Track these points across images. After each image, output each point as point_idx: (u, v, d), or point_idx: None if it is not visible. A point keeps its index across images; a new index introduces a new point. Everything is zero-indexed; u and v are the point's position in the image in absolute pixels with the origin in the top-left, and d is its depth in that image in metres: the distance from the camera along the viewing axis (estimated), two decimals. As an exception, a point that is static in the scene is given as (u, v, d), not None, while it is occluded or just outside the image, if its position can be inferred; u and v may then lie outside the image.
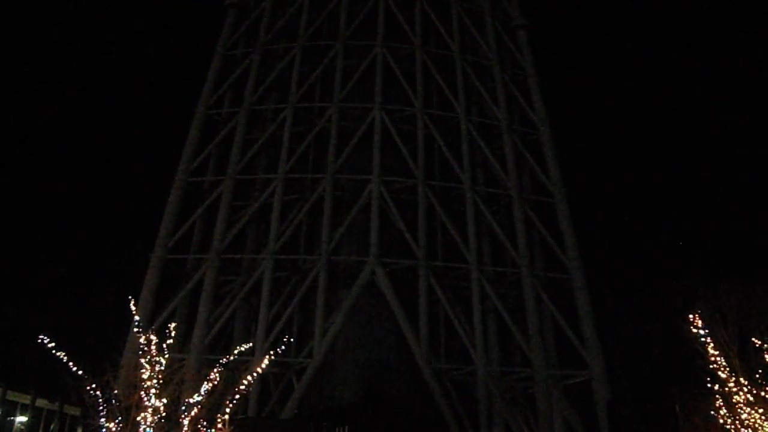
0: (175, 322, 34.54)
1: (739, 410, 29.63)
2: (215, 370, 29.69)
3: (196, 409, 28.75)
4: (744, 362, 30.16)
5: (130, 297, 31.97)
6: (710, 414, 31.27)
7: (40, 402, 50.31)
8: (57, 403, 50.65)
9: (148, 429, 27.65)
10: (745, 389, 29.54)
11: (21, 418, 49.58)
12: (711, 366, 30.44)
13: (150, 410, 27.76)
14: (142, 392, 27.97)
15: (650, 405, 40.35)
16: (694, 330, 30.98)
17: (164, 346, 29.34)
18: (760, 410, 29.10)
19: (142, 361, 28.56)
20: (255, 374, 31.29)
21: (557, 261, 53.49)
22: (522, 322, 50.65)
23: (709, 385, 30.94)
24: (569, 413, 49.56)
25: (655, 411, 39.58)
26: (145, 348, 28.85)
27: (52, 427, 51.52)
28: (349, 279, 50.90)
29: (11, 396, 48.34)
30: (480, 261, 52.23)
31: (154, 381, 28.17)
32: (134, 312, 31.65)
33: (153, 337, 29.13)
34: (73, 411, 48.74)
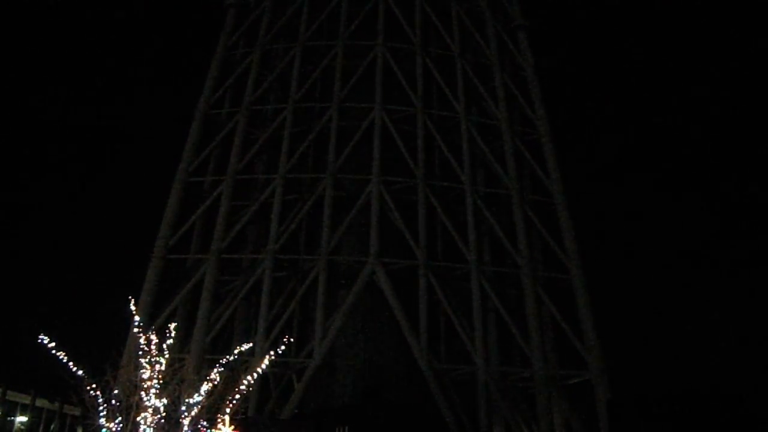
0: (175, 322, 34.54)
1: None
2: (215, 370, 29.69)
3: (196, 409, 28.74)
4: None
5: (130, 297, 31.97)
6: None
7: (40, 402, 50.32)
8: (57, 403, 50.67)
9: (148, 429, 27.65)
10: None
11: (21, 418, 49.59)
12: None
13: (150, 410, 27.76)
14: (142, 392, 27.97)
15: (650, 405, 40.35)
16: None
17: (164, 346, 29.35)
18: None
19: (142, 361, 28.56)
20: (255, 374, 31.26)
21: (557, 261, 53.47)
22: (522, 322, 50.64)
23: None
24: (569, 413, 49.55)
25: (655, 411, 39.57)
26: (145, 348, 28.86)
27: (52, 427, 51.53)
28: (349, 279, 50.89)
29: (11, 396, 48.36)
30: (480, 261, 52.22)
31: (154, 381, 28.17)
32: (134, 312, 31.65)
33: (153, 337, 29.13)
34: (73, 411, 48.76)
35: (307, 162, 58.03)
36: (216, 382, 29.40)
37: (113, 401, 28.01)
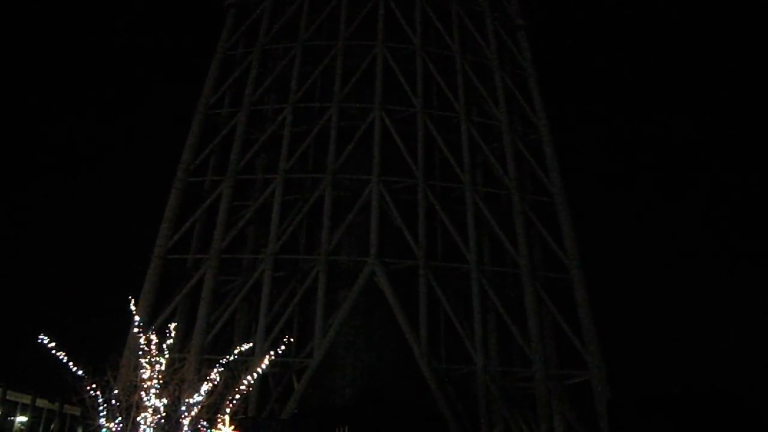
0: (175, 322, 34.58)
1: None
2: (215, 370, 29.71)
3: (196, 409, 28.76)
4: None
5: (130, 297, 31.98)
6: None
7: (40, 402, 50.40)
8: (57, 403, 50.73)
9: (148, 429, 27.66)
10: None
11: (21, 418, 49.66)
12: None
13: (150, 410, 27.79)
14: (142, 392, 27.99)
15: (650, 405, 40.38)
16: None
17: (164, 346, 29.37)
18: None
19: (142, 361, 28.59)
20: (255, 374, 31.27)
21: (557, 261, 53.47)
22: (522, 322, 50.65)
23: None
24: (569, 413, 49.56)
25: (655, 411, 39.59)
26: (145, 348, 28.88)
27: (52, 427, 51.58)
28: (349, 279, 50.89)
29: (11, 396, 48.42)
30: (480, 261, 52.22)
31: (154, 381, 28.20)
32: (134, 312, 31.66)
33: (153, 337, 29.16)
34: (73, 411, 48.82)
35: (307, 162, 58.05)
36: (216, 382, 29.42)
37: (113, 401, 28.03)
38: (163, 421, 27.98)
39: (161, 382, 28.43)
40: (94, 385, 27.80)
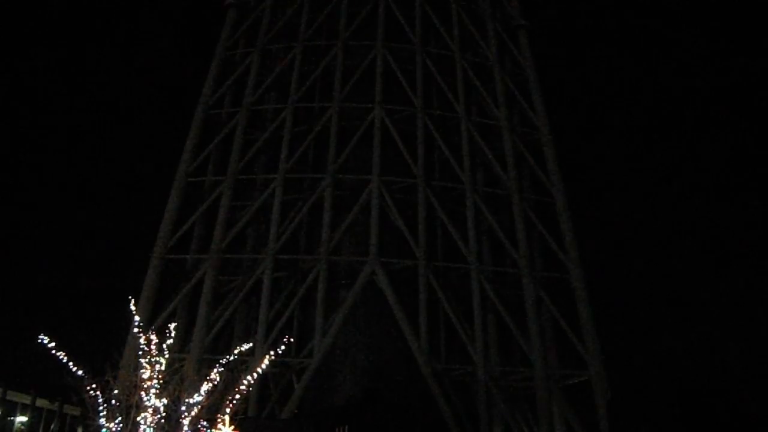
0: (175, 322, 34.57)
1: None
2: (215, 370, 29.69)
3: (196, 409, 28.75)
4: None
5: (130, 297, 31.97)
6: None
7: (40, 402, 50.46)
8: (57, 403, 50.76)
9: (148, 429, 27.66)
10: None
11: (21, 418, 49.72)
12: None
13: (150, 410, 27.78)
14: (142, 392, 27.98)
15: (650, 405, 40.40)
16: None
17: (164, 346, 29.36)
18: None
19: (142, 361, 28.58)
20: (255, 374, 31.26)
21: (557, 261, 53.48)
22: (522, 322, 50.66)
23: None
24: (569, 413, 49.56)
25: (655, 411, 39.61)
26: (145, 348, 28.87)
27: (52, 427, 51.62)
28: (349, 279, 50.90)
29: (11, 396, 48.46)
30: (480, 261, 52.24)
31: (154, 381, 28.19)
32: (134, 312, 31.64)
33: (153, 337, 29.14)
34: (73, 411, 48.84)
35: (307, 162, 58.02)
36: (216, 382, 29.41)
37: (113, 401, 28.02)
38: (163, 421, 27.97)
39: (161, 382, 28.41)
40: (94, 385, 27.78)
